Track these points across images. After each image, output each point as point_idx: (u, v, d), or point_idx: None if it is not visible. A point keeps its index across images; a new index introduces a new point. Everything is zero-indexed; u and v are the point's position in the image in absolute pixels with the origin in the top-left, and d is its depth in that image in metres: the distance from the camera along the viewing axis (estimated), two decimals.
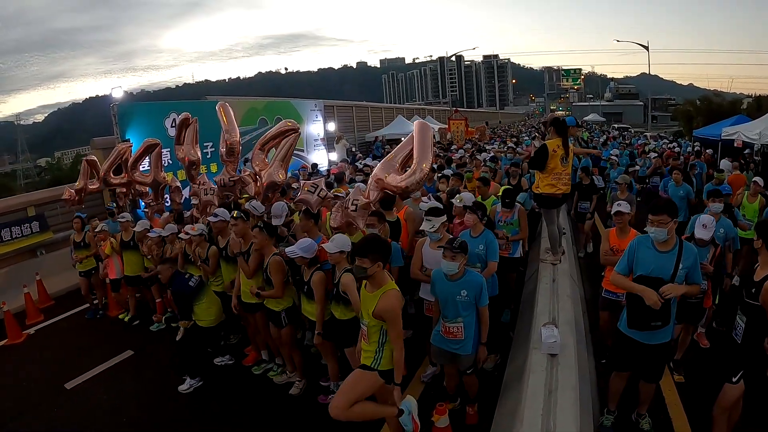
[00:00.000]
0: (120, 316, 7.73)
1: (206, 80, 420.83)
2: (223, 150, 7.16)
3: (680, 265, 3.59)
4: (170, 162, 10.91)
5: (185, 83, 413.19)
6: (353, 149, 20.30)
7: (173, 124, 10.56)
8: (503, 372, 4.96)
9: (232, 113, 7.34)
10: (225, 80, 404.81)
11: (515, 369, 4.70)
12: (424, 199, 6.21)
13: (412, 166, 4.70)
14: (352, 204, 4.88)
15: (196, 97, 33.85)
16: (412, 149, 4.83)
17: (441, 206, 5.07)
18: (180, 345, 5.80)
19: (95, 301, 8.15)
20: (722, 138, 17.33)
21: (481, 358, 4.24)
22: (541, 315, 4.90)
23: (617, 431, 4.11)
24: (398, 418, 3.60)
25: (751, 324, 3.55)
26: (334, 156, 18.34)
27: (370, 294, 3.49)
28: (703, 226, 4.85)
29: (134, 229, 7.12)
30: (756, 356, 3.59)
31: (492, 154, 13.60)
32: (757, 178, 7.97)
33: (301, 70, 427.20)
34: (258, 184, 6.82)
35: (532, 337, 4.58)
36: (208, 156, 12.33)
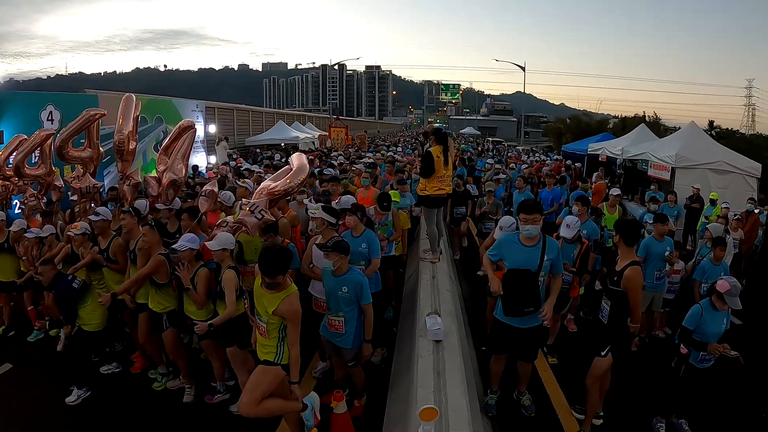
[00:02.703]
0: None
1: (80, 72, 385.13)
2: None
3: (545, 257, 4.20)
4: None
5: (58, 74, 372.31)
6: (234, 155, 19.89)
7: (50, 117, 10.48)
8: (390, 365, 5.27)
9: (128, 107, 7.43)
10: (100, 74, 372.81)
11: (403, 359, 5.01)
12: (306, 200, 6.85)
13: (289, 175, 5.72)
14: (260, 213, 5.05)
15: (70, 89, 30.82)
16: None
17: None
18: (65, 353, 5.59)
19: None
20: (588, 153, 19.69)
21: (365, 355, 4.46)
22: (424, 307, 5.36)
23: (501, 409, 4.56)
24: (301, 413, 3.78)
25: (614, 307, 4.25)
26: (213, 159, 17.92)
27: (270, 294, 3.58)
28: (567, 225, 5.67)
29: (10, 229, 6.47)
30: (620, 333, 4.26)
31: (372, 160, 14.11)
32: (614, 190, 9.09)
33: (181, 69, 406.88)
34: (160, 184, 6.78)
35: (417, 326, 4.99)
36: None
